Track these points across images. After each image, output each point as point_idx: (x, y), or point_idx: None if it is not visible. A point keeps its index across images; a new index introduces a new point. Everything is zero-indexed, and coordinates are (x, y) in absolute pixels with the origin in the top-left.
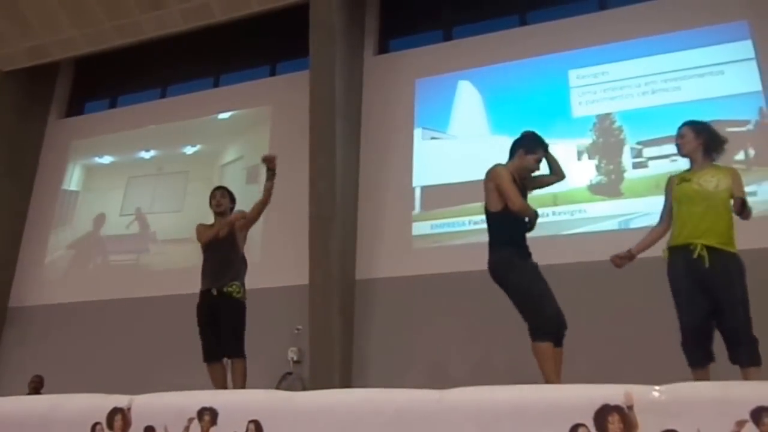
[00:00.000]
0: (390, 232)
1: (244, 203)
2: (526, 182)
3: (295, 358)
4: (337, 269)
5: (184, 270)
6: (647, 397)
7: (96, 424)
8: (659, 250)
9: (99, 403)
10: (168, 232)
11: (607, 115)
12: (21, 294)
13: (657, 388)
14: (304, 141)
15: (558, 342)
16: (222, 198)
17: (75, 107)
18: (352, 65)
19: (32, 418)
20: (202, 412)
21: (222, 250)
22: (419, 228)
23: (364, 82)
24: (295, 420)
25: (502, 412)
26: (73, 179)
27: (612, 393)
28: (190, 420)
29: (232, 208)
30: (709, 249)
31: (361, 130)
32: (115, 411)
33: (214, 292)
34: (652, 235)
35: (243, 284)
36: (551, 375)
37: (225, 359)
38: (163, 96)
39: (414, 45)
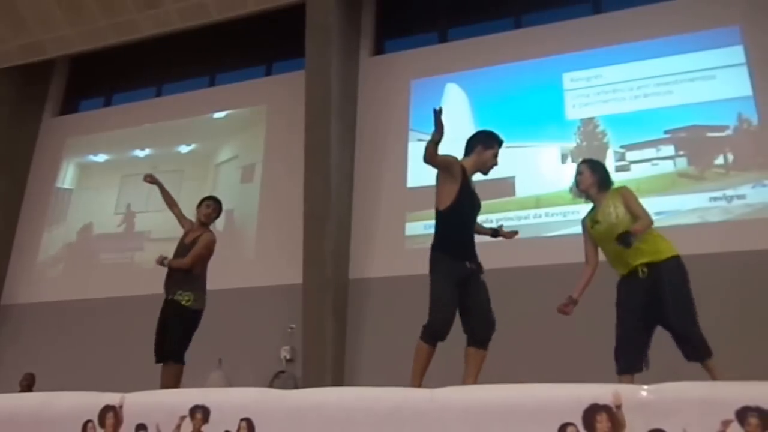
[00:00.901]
0: (384, 232)
1: (239, 202)
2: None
3: (287, 357)
4: (330, 269)
5: None
6: (635, 396)
7: (87, 421)
8: None
9: (90, 401)
10: (162, 231)
11: (591, 119)
12: (13, 292)
13: (645, 387)
14: (299, 141)
15: (478, 344)
16: (213, 212)
17: (70, 105)
18: (348, 66)
19: (23, 415)
20: (194, 410)
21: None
22: (412, 228)
23: (359, 83)
24: (287, 418)
25: (493, 410)
26: (67, 177)
27: (600, 392)
28: (182, 418)
29: (215, 217)
30: (648, 265)
31: (356, 130)
32: (106, 409)
33: (168, 298)
34: (585, 277)
35: (197, 297)
36: (416, 375)
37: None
38: (158, 95)
39: (409, 46)
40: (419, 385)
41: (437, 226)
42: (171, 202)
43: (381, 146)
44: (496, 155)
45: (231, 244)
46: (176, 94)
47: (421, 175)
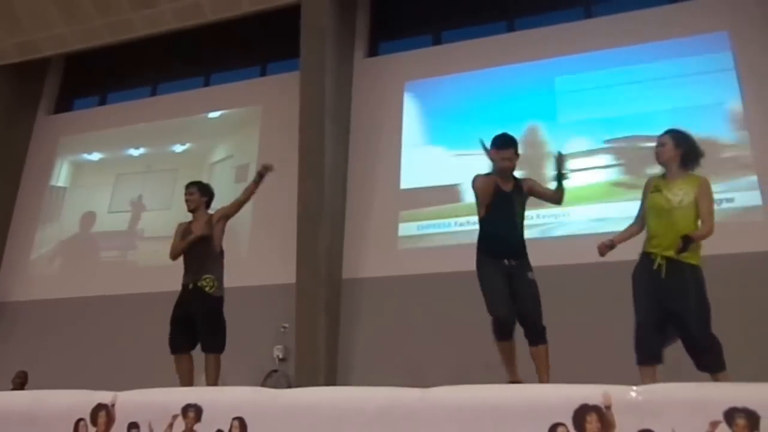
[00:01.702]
0: (377, 233)
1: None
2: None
3: (280, 356)
4: (324, 268)
5: (171, 267)
6: (625, 397)
7: (80, 420)
8: (635, 254)
9: (83, 399)
10: (156, 230)
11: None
12: (6, 289)
13: (634, 388)
14: (293, 141)
15: (532, 343)
16: (190, 195)
17: (64, 104)
18: (342, 67)
19: (16, 413)
20: (186, 409)
21: (198, 246)
22: (406, 228)
23: (353, 84)
24: (279, 417)
25: (484, 411)
26: (61, 175)
27: (591, 393)
28: (175, 417)
29: (207, 202)
30: (670, 260)
31: (350, 131)
32: (99, 407)
33: (190, 286)
34: (628, 232)
35: (218, 278)
36: (508, 371)
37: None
38: (153, 94)
39: (403, 48)
40: (516, 379)
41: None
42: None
43: (375, 147)
44: (500, 158)
45: (225, 242)
46: (171, 94)
47: (414, 176)
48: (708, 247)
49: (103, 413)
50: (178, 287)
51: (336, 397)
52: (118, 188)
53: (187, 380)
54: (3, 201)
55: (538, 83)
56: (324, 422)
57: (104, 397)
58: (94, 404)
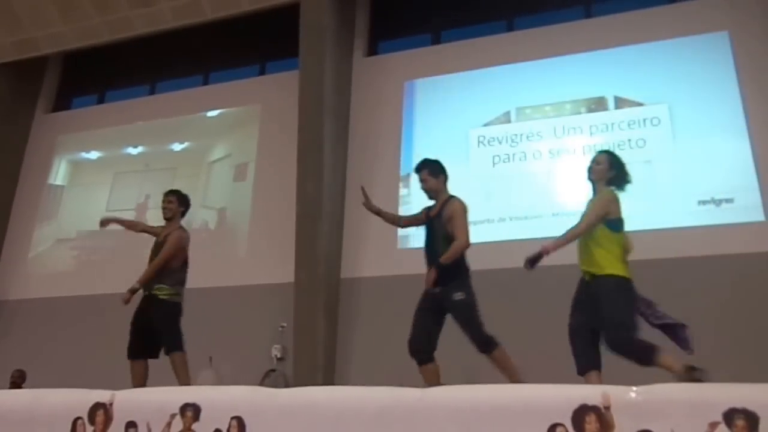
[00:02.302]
0: (376, 232)
1: (232, 200)
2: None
3: (278, 356)
4: (322, 268)
5: None
6: (624, 398)
7: (77, 418)
8: (635, 254)
9: (81, 398)
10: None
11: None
12: (4, 288)
13: (634, 389)
14: (292, 140)
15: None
16: (168, 204)
17: (62, 102)
18: (342, 66)
19: (13, 412)
20: (184, 408)
21: (155, 256)
22: (405, 228)
23: (353, 83)
24: (277, 417)
25: (483, 410)
26: (59, 174)
27: (590, 393)
28: (173, 416)
29: (183, 212)
30: (592, 275)
31: (349, 130)
32: (97, 406)
33: (145, 293)
34: None
35: (173, 285)
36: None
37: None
38: (151, 92)
39: (403, 48)
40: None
41: None
42: (131, 226)
43: (374, 146)
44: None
45: (223, 242)
46: (170, 92)
47: (413, 175)
48: (708, 248)
49: (101, 412)
50: None
51: (334, 397)
52: (116, 187)
53: (140, 384)
54: (1, 199)
55: (537, 83)
56: (322, 422)
57: (102, 396)
58: (92, 403)
